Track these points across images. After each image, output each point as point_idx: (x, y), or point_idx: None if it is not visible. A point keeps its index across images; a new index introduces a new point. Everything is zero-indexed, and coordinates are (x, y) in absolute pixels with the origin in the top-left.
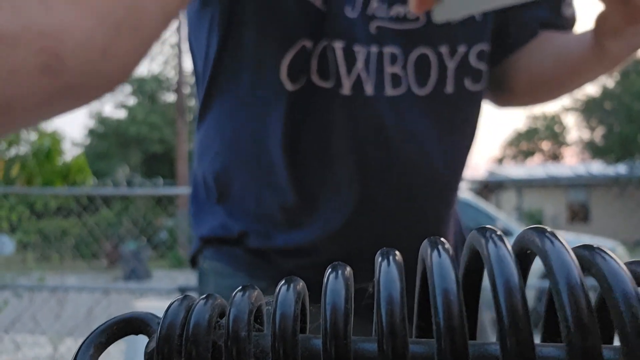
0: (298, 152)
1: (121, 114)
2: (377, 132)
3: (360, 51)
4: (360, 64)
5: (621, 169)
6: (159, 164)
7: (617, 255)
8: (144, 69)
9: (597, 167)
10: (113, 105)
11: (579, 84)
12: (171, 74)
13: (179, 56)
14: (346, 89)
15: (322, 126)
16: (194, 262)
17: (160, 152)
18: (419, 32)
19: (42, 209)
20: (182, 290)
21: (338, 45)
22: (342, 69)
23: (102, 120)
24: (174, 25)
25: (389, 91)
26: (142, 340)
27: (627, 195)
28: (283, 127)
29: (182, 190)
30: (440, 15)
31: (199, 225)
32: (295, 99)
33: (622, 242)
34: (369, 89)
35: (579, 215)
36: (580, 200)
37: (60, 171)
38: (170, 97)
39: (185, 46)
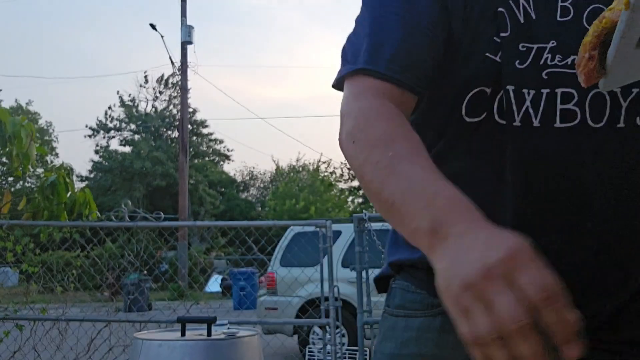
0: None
1: (126, 149)
2: (542, 159)
3: (529, 92)
4: (528, 102)
5: None
6: (161, 198)
7: None
8: (149, 107)
9: None
10: (118, 142)
11: None
12: (174, 111)
13: (182, 94)
14: (517, 121)
15: (496, 157)
16: (381, 284)
17: (162, 186)
18: None
19: (46, 241)
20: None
21: (510, 88)
22: (514, 107)
23: (107, 155)
24: (176, 65)
25: (558, 124)
26: (144, 345)
27: None
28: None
29: (183, 223)
30: (606, 86)
31: (394, 251)
32: (476, 134)
33: None
34: (536, 121)
35: None
36: None
37: (65, 204)
38: (173, 134)
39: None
